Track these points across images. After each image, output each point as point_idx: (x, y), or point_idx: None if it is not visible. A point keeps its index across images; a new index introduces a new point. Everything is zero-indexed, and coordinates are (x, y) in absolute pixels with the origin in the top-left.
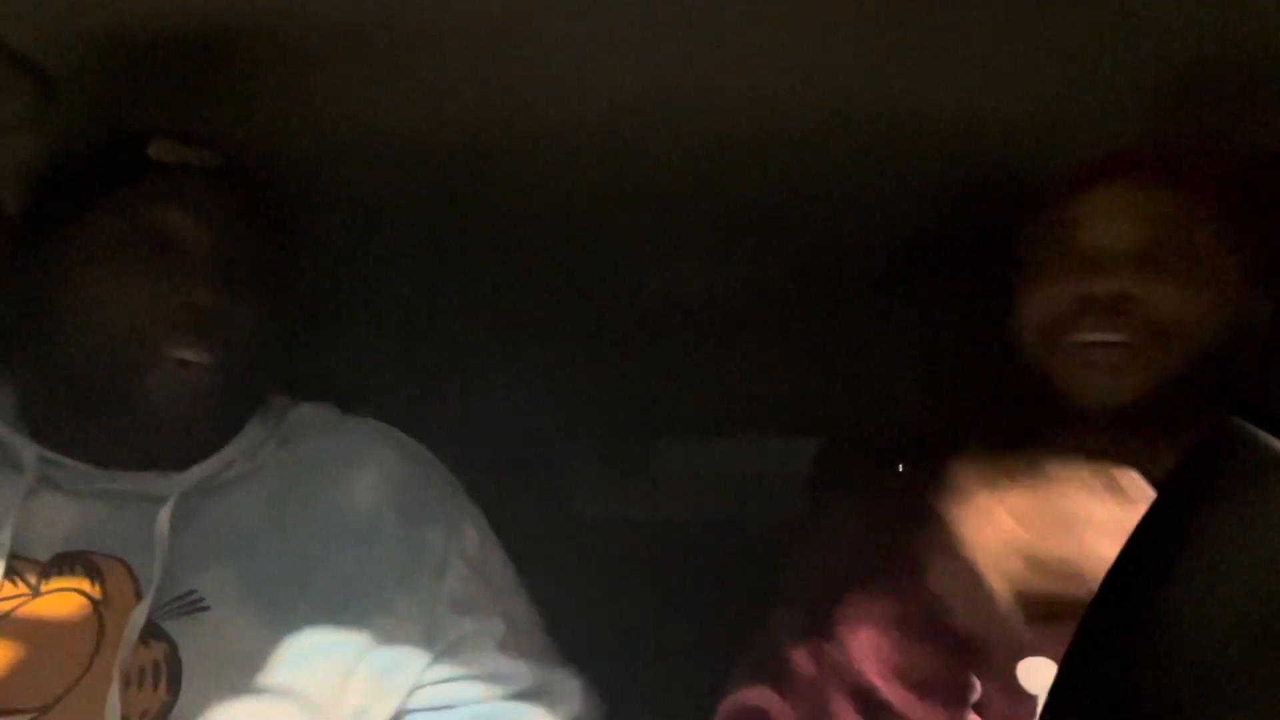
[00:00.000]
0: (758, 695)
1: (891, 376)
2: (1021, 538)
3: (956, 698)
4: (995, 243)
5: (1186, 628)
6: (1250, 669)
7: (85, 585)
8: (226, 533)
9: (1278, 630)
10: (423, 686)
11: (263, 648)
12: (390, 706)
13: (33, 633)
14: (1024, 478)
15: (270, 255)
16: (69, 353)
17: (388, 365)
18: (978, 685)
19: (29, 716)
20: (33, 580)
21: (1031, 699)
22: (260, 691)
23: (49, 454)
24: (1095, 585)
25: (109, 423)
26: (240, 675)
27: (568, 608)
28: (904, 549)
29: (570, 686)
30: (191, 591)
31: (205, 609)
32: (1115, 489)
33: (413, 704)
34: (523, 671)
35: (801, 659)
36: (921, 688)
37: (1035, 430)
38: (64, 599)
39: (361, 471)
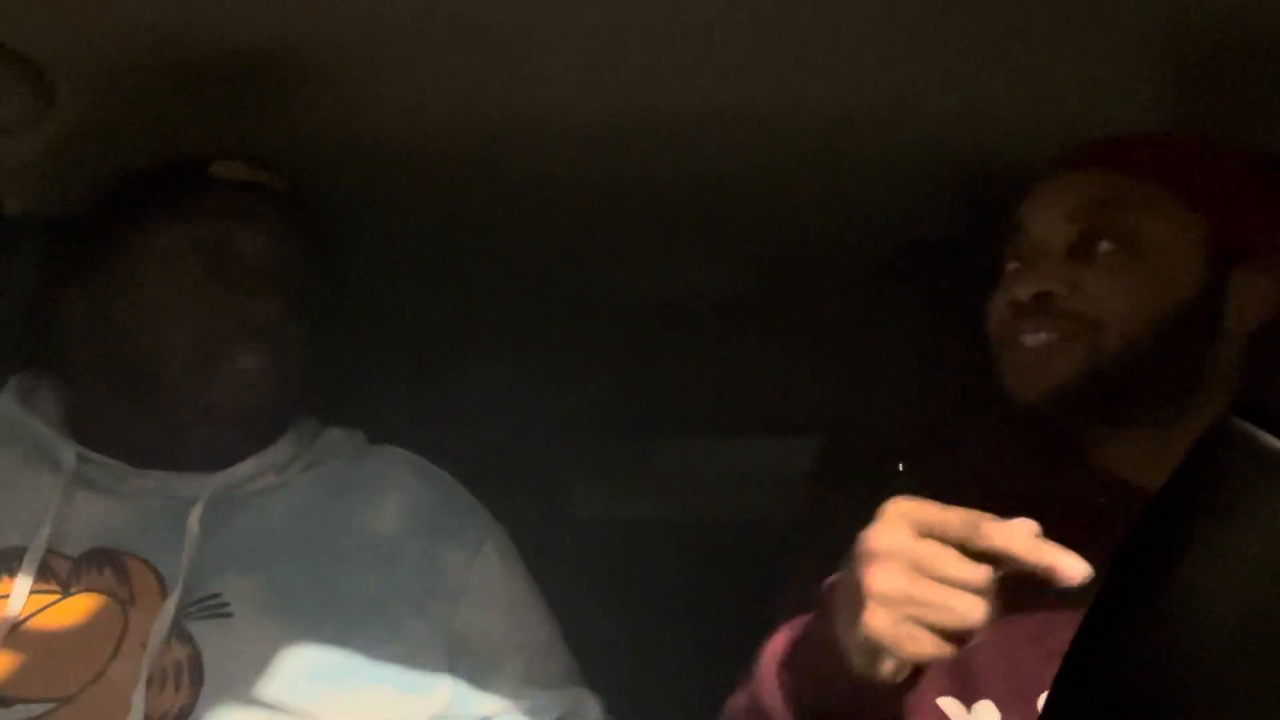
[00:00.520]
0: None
1: (891, 376)
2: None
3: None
4: (995, 243)
5: (1187, 628)
6: (1251, 670)
7: (112, 582)
8: (252, 541)
9: (1278, 631)
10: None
11: (283, 659)
12: None
13: (59, 626)
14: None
15: (321, 275)
16: (129, 357)
17: (388, 365)
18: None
19: (49, 706)
20: (63, 575)
21: None
22: (277, 703)
23: (86, 452)
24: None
25: (152, 423)
26: (259, 685)
27: (568, 608)
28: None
29: (591, 712)
30: (216, 595)
31: (229, 615)
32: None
33: None
34: (543, 704)
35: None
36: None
37: (1048, 433)
38: (91, 596)
39: (386, 498)
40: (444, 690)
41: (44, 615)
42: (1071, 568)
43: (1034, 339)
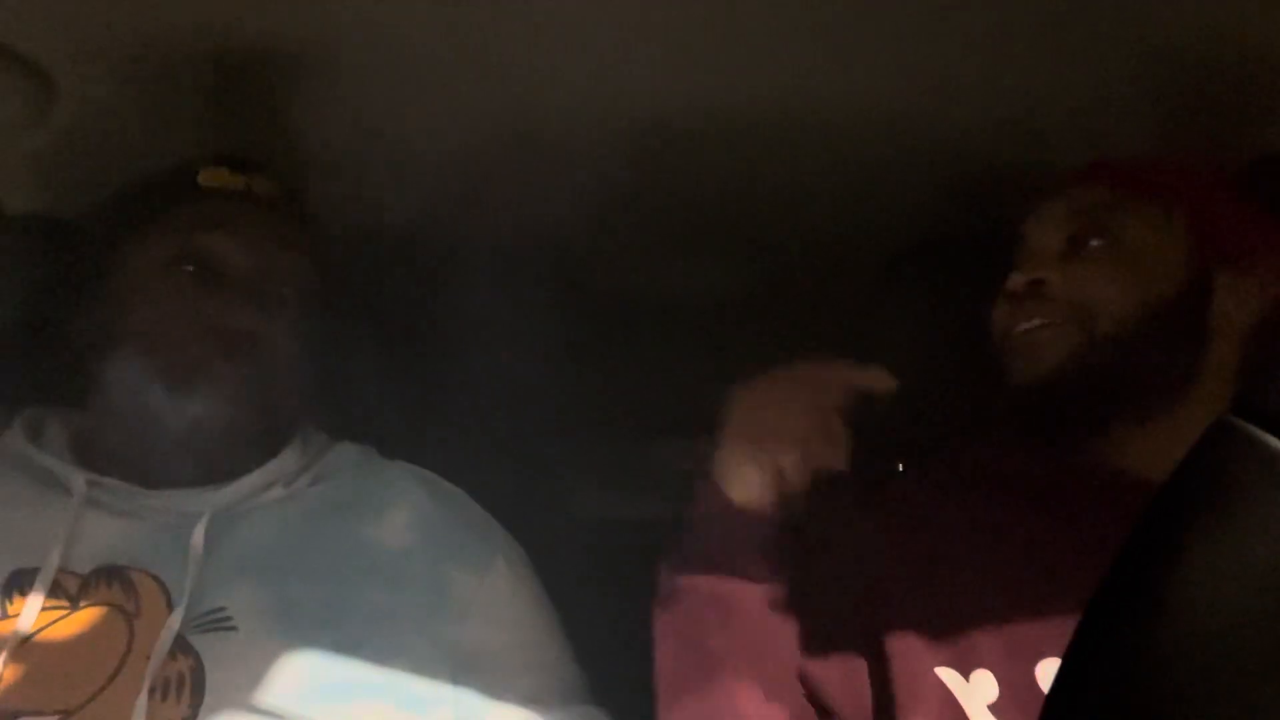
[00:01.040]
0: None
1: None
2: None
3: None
4: (996, 243)
5: (1186, 628)
6: (1250, 669)
7: (119, 596)
8: (258, 555)
9: (1278, 631)
10: None
11: (285, 674)
12: None
13: (66, 640)
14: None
15: (311, 283)
16: (115, 373)
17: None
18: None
19: (55, 718)
20: (72, 591)
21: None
22: (277, 716)
23: (95, 477)
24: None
25: (151, 442)
26: (260, 698)
27: (567, 608)
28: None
29: None
30: (220, 609)
31: (233, 629)
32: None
33: None
34: None
35: None
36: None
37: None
38: (98, 610)
39: (394, 513)
40: (447, 708)
41: (51, 629)
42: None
43: (1028, 324)
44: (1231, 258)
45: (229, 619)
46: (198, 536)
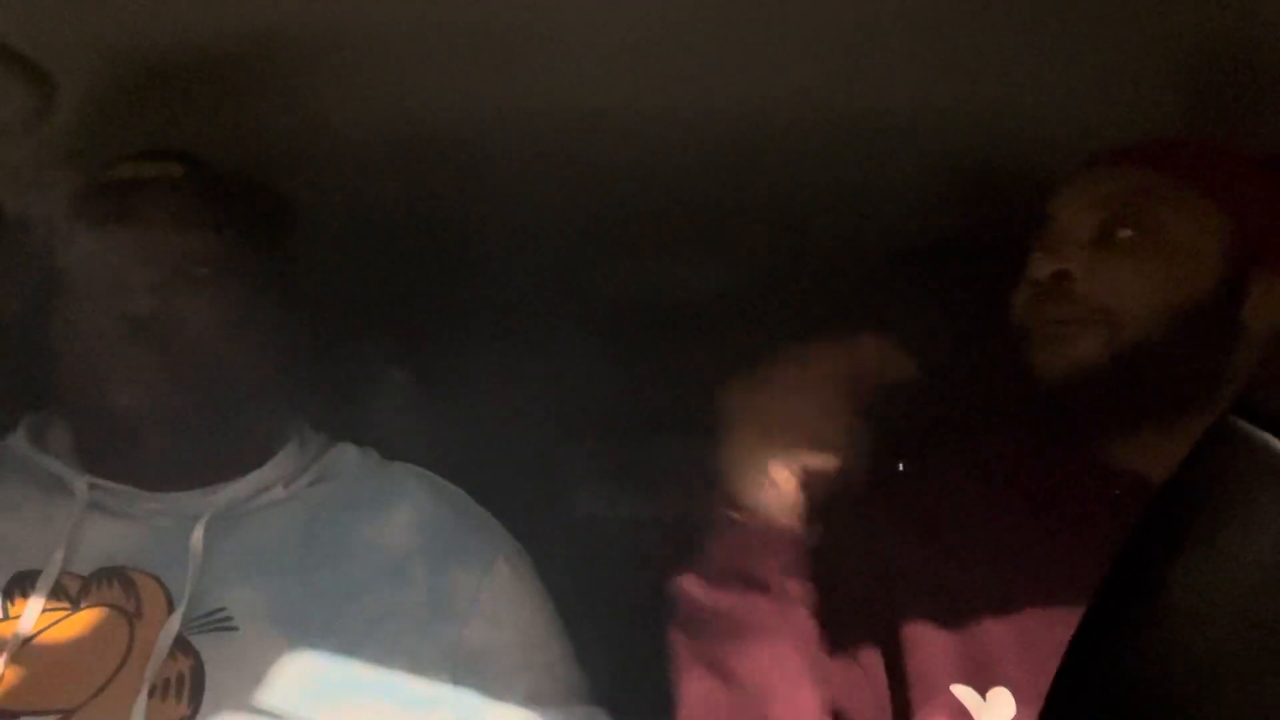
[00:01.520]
0: None
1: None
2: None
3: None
4: (996, 243)
5: (1186, 628)
6: (1251, 670)
7: (120, 597)
8: (258, 555)
9: (1278, 631)
10: None
11: (285, 674)
12: None
13: (67, 641)
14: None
15: (230, 257)
16: (60, 384)
17: (386, 367)
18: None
19: (55, 718)
20: (73, 593)
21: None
22: (277, 716)
23: (97, 480)
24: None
25: (129, 446)
26: (260, 698)
27: (567, 608)
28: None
29: None
30: (221, 609)
31: (234, 629)
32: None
33: None
34: None
35: None
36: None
37: (1043, 423)
38: (99, 611)
39: (395, 513)
40: (447, 708)
41: (52, 630)
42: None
43: (1051, 317)
44: (1268, 258)
45: (229, 619)
46: (197, 537)
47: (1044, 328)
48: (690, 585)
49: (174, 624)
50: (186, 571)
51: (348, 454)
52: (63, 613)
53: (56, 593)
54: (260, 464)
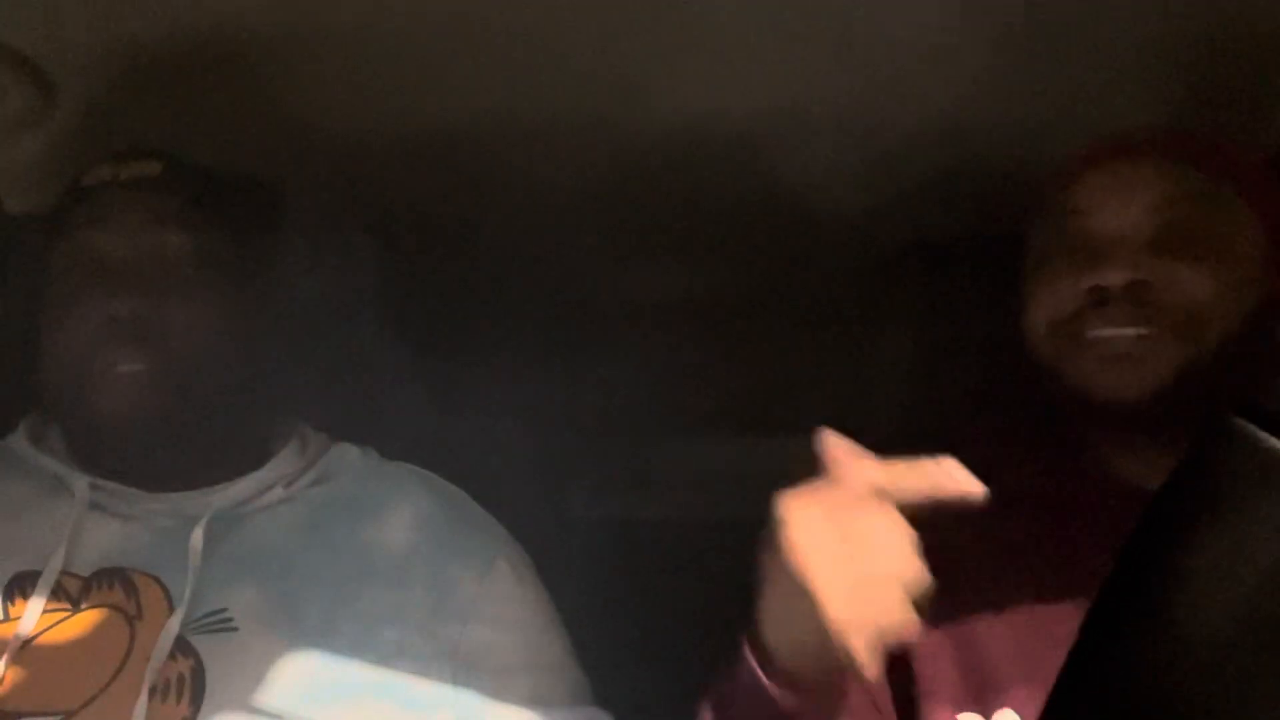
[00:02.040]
0: None
1: (893, 376)
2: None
3: None
4: (995, 242)
5: (1187, 628)
6: (1251, 669)
7: (120, 599)
8: (259, 556)
9: (1278, 631)
10: None
11: (285, 674)
12: None
13: (68, 642)
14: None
15: (214, 256)
16: (45, 387)
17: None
18: None
19: (55, 719)
20: (73, 594)
21: None
22: (278, 717)
23: (97, 480)
24: None
25: (127, 447)
26: (260, 699)
27: (567, 608)
28: None
29: None
30: (222, 610)
31: (234, 629)
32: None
33: None
34: None
35: None
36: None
37: (1045, 428)
38: (100, 612)
39: (396, 513)
40: (448, 709)
41: (53, 631)
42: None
43: (1124, 332)
44: None
45: (230, 620)
46: (196, 538)
47: (1106, 344)
48: None
49: (174, 625)
50: (187, 572)
51: (348, 454)
52: (63, 614)
53: (57, 594)
54: (260, 465)
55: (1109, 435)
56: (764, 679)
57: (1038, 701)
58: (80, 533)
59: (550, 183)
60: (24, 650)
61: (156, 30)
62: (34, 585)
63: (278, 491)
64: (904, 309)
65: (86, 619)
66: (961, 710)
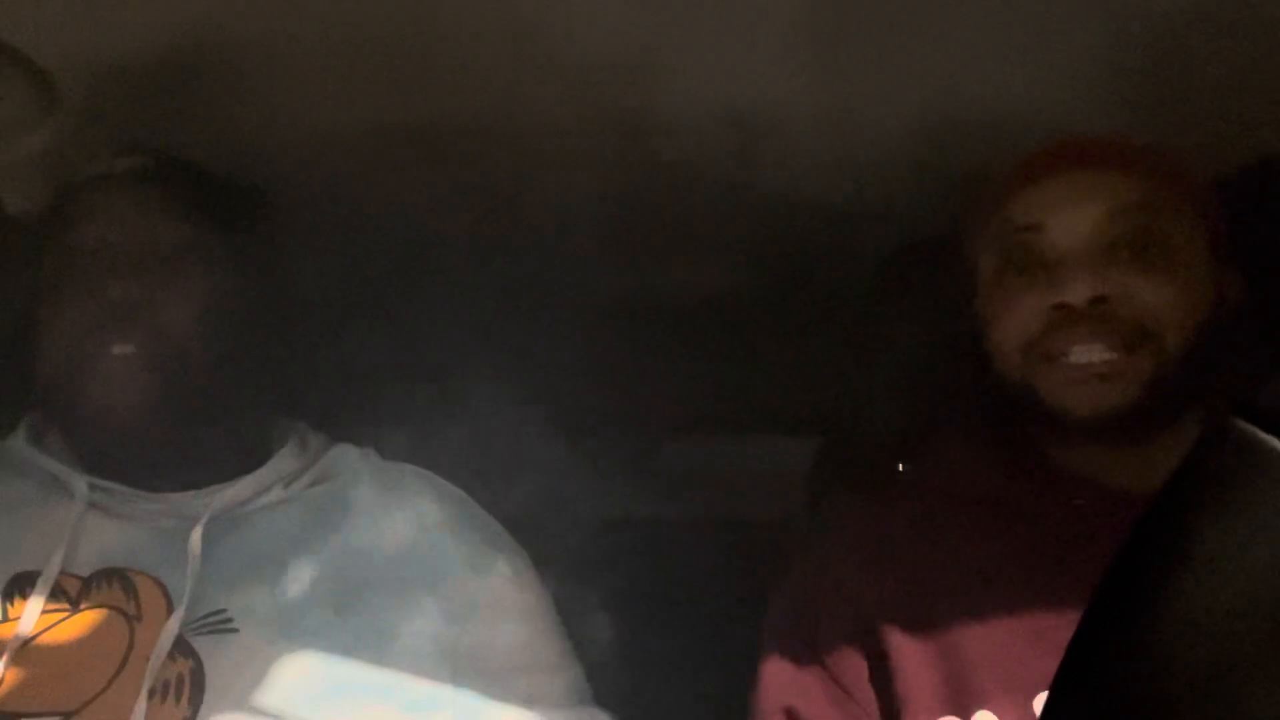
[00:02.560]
0: None
1: (892, 376)
2: None
3: None
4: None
5: (1186, 628)
6: (1251, 670)
7: (120, 599)
8: (259, 556)
9: (1277, 630)
10: None
11: (285, 675)
12: None
13: (67, 642)
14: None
15: (205, 246)
16: (40, 378)
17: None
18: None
19: (55, 719)
20: (73, 594)
21: None
22: (277, 718)
23: (97, 481)
24: None
25: (126, 444)
26: (260, 699)
27: (568, 608)
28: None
29: None
30: (222, 610)
31: (234, 630)
32: None
33: None
34: None
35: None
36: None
37: (1021, 434)
38: (99, 612)
39: (396, 514)
40: (448, 710)
41: (52, 631)
42: None
43: (1091, 352)
44: (1229, 253)
45: (229, 620)
46: (195, 538)
47: (1076, 364)
48: None
49: (174, 625)
50: (186, 572)
51: (347, 455)
52: (62, 614)
53: (56, 594)
54: (259, 465)
55: (1081, 443)
56: None
57: (1016, 704)
58: (80, 533)
59: (550, 182)
60: (23, 650)
61: (157, 30)
62: (34, 585)
63: (277, 492)
64: (904, 309)
65: (86, 619)
66: (941, 715)
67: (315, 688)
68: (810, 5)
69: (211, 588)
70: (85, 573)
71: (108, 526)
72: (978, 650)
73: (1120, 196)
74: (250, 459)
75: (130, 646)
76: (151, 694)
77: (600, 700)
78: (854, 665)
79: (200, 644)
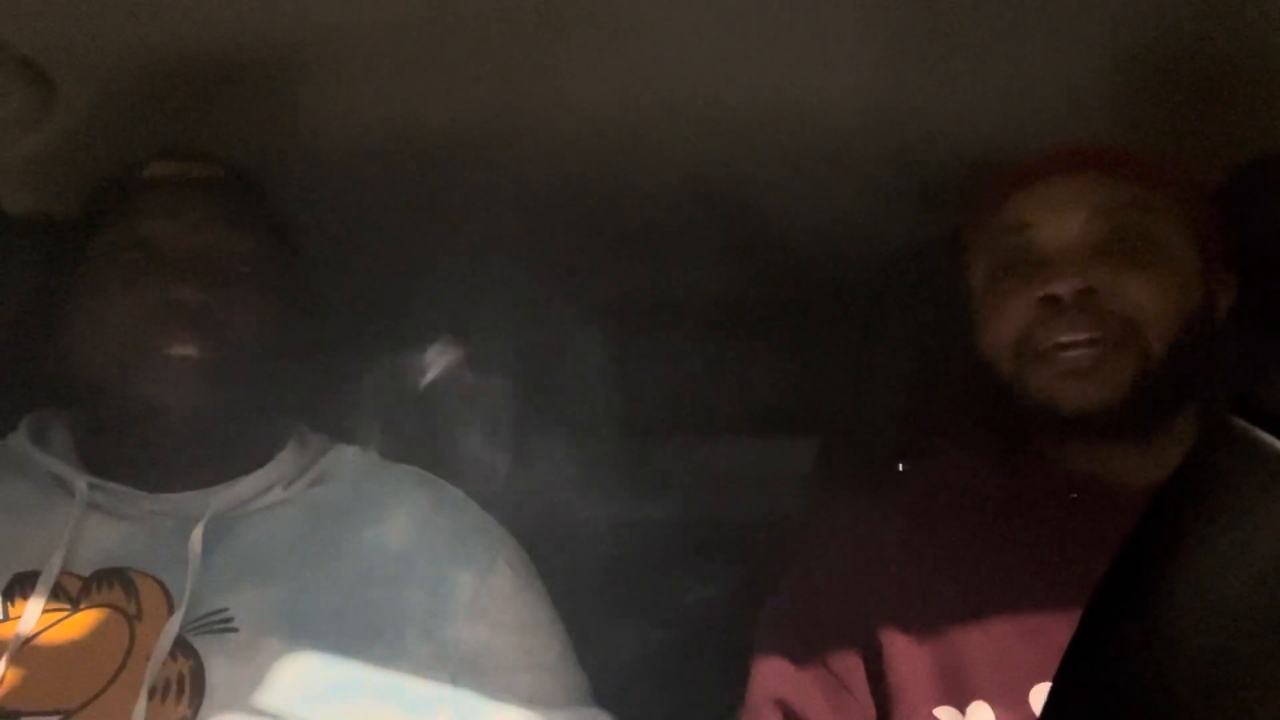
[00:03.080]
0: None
1: (892, 377)
2: None
3: None
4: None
5: (1185, 627)
6: (1251, 668)
7: (120, 599)
8: (259, 557)
9: (1276, 630)
10: None
11: (285, 675)
12: None
13: (68, 642)
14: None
15: (267, 260)
16: (82, 373)
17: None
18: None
19: (55, 719)
20: (73, 594)
21: None
22: (277, 718)
23: (97, 481)
24: None
25: (139, 436)
26: (260, 699)
27: (567, 608)
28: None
29: None
30: (222, 610)
31: (234, 630)
32: None
33: None
34: None
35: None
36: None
37: (1015, 430)
38: (99, 612)
39: (396, 514)
40: (448, 710)
41: (52, 631)
42: None
43: (1076, 337)
44: (1220, 254)
45: (230, 620)
46: (196, 539)
47: (1065, 359)
48: None
49: (174, 625)
50: (187, 572)
51: (347, 455)
52: (63, 613)
53: (56, 593)
54: (260, 465)
55: (1075, 440)
56: None
57: (1012, 697)
58: (80, 533)
59: (553, 182)
60: (24, 650)
61: (157, 30)
62: (34, 585)
63: (277, 492)
64: (904, 309)
65: (86, 619)
66: (937, 705)
67: (315, 688)
68: (812, 5)
69: (212, 587)
70: (86, 572)
71: (108, 526)
72: (974, 644)
73: (1108, 198)
74: (252, 459)
75: (131, 646)
76: (152, 693)
77: (600, 700)
78: (850, 660)
79: (201, 644)
